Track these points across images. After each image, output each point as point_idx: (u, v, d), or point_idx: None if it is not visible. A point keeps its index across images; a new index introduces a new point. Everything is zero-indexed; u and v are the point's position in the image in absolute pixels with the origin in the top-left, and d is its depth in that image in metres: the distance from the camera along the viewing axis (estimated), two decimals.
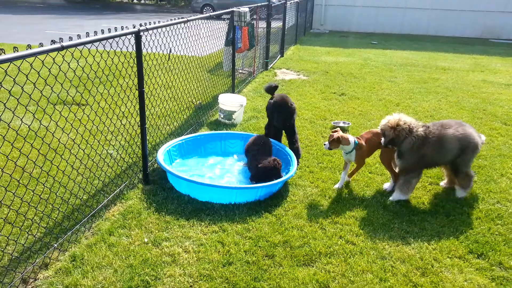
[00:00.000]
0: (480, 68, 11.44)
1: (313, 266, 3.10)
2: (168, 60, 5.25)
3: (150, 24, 4.01)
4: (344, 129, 6.09)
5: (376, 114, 6.90)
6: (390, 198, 4.09)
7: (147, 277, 2.90)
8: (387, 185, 4.34)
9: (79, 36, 3.08)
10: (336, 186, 4.26)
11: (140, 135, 4.12)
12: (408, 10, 19.75)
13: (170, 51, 5.04)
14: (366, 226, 3.63)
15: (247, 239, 3.39)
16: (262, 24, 9.82)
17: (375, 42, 16.30)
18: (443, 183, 4.47)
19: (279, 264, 3.10)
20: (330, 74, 9.98)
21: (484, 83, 9.53)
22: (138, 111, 4.03)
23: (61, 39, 2.80)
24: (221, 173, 4.54)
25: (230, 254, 3.19)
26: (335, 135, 4.11)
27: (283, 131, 5.02)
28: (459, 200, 4.16)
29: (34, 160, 3.45)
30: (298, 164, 4.67)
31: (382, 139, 4.02)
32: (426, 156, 3.94)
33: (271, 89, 5.08)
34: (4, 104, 2.74)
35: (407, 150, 3.92)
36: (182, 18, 4.89)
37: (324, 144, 4.21)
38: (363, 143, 4.18)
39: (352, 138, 4.12)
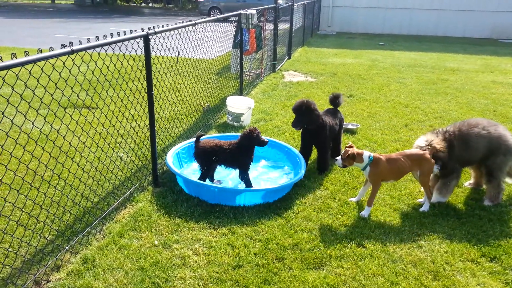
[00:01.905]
0: (490, 69, 11.33)
1: (323, 269, 3.09)
2: (177, 63, 5.28)
3: (158, 28, 4.03)
4: (352, 131, 6.06)
5: (385, 115, 6.86)
6: (431, 200, 4.01)
7: (157, 280, 2.91)
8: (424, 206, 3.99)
9: (88, 40, 3.11)
10: (353, 199, 4.06)
11: (149, 138, 4.14)
12: (415, 11, 19.65)
13: (179, 54, 5.06)
14: (377, 229, 3.61)
15: (256, 241, 3.38)
16: (270, 26, 9.83)
17: (383, 44, 16.24)
18: (468, 183, 4.44)
19: (289, 267, 3.09)
20: (338, 75, 9.95)
21: (494, 84, 9.44)
22: (147, 114, 4.05)
23: (71, 43, 2.82)
24: (228, 175, 4.54)
25: (240, 256, 3.18)
26: (350, 151, 3.72)
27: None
28: (470, 202, 4.12)
29: (45, 163, 3.48)
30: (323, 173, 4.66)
31: (436, 166, 3.84)
32: (456, 156, 3.91)
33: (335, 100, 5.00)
34: (16, 107, 2.77)
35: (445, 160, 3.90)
36: (189, 21, 4.91)
37: (336, 160, 3.84)
38: (383, 158, 3.78)
39: (366, 154, 3.76)
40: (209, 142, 4.22)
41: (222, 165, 4.29)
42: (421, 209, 3.91)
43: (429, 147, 3.84)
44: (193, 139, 4.93)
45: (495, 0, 18.70)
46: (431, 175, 3.95)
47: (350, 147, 3.81)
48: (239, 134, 4.30)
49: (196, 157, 4.23)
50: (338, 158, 3.82)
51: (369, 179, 3.85)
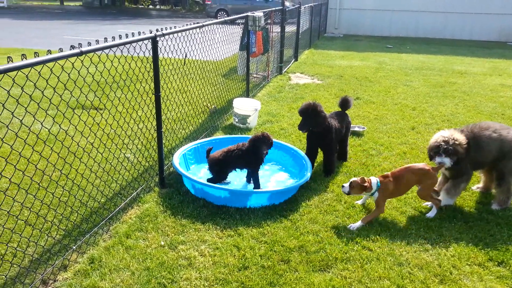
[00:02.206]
0: (498, 72, 11.25)
1: (329, 272, 3.08)
2: (184, 64, 5.30)
3: (166, 29, 4.05)
4: (359, 134, 6.05)
5: (391, 118, 6.84)
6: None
7: (163, 280, 2.92)
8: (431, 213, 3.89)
9: (97, 42, 3.14)
10: (359, 202, 4.04)
11: (156, 139, 4.16)
12: (421, 13, 19.56)
13: (186, 56, 5.09)
14: (383, 232, 3.59)
15: (262, 243, 3.39)
16: (276, 29, 9.84)
17: (390, 46, 16.18)
18: (476, 187, 4.41)
19: (295, 269, 3.09)
20: (345, 78, 9.93)
21: (502, 87, 9.37)
22: (155, 115, 4.08)
23: (80, 45, 2.85)
24: (236, 176, 4.55)
25: (245, 258, 3.19)
26: (361, 181, 3.65)
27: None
28: (478, 206, 4.09)
29: (53, 164, 3.51)
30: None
31: (447, 160, 3.74)
32: (469, 157, 3.87)
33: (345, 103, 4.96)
34: (25, 108, 2.80)
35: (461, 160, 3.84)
36: (197, 23, 4.93)
37: (343, 187, 3.78)
38: (389, 179, 3.73)
39: (374, 180, 3.69)
40: (218, 152, 4.28)
41: (237, 169, 4.35)
42: (427, 215, 3.87)
43: (452, 139, 3.76)
44: (200, 141, 4.96)
45: (498, 2, 18.53)
46: (441, 178, 3.92)
47: (363, 179, 3.68)
48: (241, 136, 4.34)
49: (210, 169, 4.27)
50: (346, 184, 3.76)
51: (376, 203, 3.73)
